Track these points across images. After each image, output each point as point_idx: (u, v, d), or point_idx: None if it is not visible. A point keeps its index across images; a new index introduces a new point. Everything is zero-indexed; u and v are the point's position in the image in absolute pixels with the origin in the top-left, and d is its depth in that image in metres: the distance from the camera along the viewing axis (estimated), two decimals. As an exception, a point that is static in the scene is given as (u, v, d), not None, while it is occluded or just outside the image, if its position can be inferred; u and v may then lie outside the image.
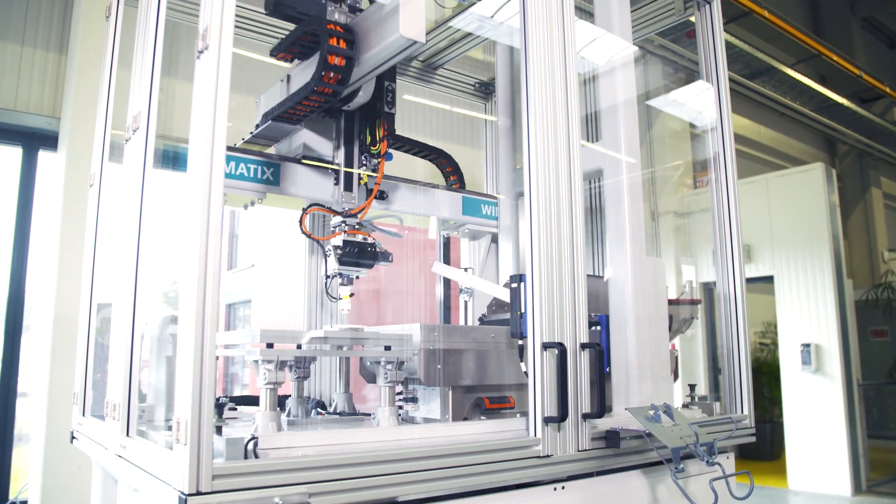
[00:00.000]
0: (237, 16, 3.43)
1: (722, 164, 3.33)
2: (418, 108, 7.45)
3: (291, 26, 2.93)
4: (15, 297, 5.35)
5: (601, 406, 2.36)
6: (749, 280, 9.67)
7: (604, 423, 2.53)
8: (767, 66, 11.14)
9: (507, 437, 2.27)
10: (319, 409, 2.88)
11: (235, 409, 2.90)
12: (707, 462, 2.42)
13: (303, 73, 2.87)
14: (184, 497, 1.58)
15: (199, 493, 1.59)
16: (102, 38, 3.99)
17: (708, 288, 10.04)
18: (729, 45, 10.37)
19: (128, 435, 2.17)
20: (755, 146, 13.06)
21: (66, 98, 5.46)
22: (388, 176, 3.40)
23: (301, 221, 3.10)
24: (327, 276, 2.92)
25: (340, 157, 3.07)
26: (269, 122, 3.10)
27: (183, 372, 1.65)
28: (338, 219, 2.98)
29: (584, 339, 2.43)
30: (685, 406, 3.25)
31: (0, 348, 5.29)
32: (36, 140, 5.57)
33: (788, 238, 8.98)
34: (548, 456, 2.25)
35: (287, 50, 2.86)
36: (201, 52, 1.79)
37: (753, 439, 3.14)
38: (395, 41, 2.45)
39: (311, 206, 3.04)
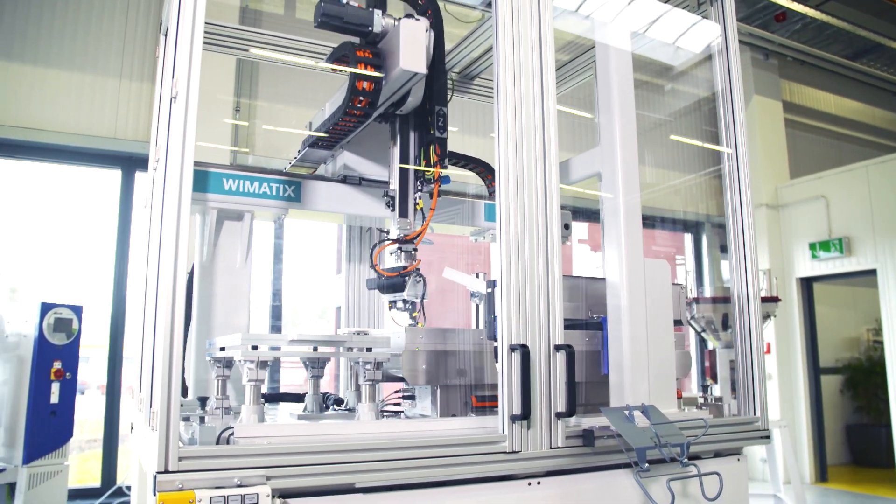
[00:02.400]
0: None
1: (735, 161, 3.28)
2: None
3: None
4: (117, 305, 6.06)
5: (571, 405, 2.45)
6: (849, 274, 9.07)
7: (589, 422, 2.61)
8: (874, 44, 10.34)
9: (477, 433, 2.41)
10: (335, 406, 3.15)
11: (263, 403, 3.23)
12: (682, 463, 2.45)
13: (337, 100, 3.10)
14: (154, 474, 1.87)
15: (167, 472, 1.88)
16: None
17: (807, 283, 9.49)
18: (826, 25, 9.78)
19: (150, 426, 2.51)
20: (868, 130, 12.11)
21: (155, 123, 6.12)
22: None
23: (373, 258, 3.17)
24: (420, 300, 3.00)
25: (395, 182, 3.11)
26: (307, 148, 3.41)
27: (155, 370, 1.95)
28: (394, 245, 3.07)
29: (560, 340, 2.52)
30: (700, 406, 3.23)
31: (105, 352, 6.02)
32: (133, 163, 6.28)
33: (893, 228, 8.33)
34: (514, 452, 2.38)
35: (339, 60, 3.05)
36: (174, 97, 2.09)
37: (768, 441, 3.07)
38: (398, 74, 2.67)
39: (380, 243, 3.15)
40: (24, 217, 6.39)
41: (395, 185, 3.08)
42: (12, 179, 6.28)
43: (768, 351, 9.20)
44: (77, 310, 4.97)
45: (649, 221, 9.14)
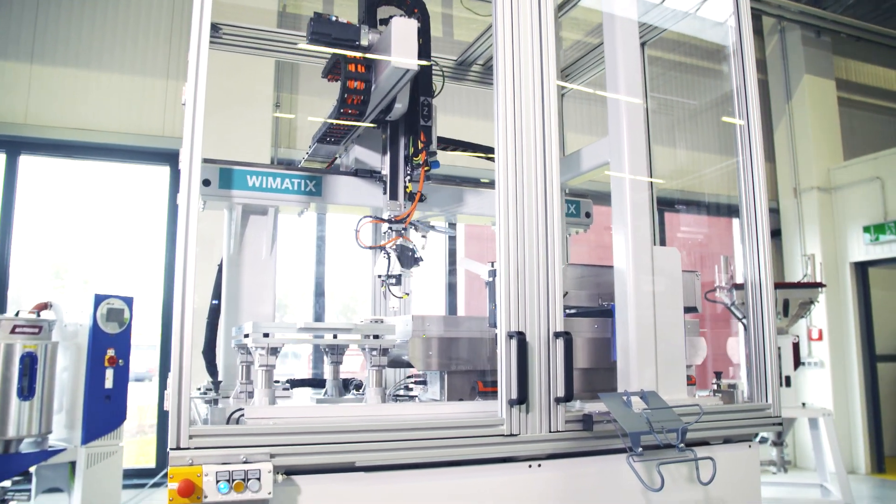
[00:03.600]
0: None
1: (747, 144, 3.24)
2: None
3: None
4: (168, 296, 6.39)
5: (569, 391, 2.52)
6: (907, 259, 8.65)
7: (591, 407, 2.68)
8: (936, 16, 9.83)
9: (477, 417, 2.51)
10: (355, 390, 3.30)
11: (288, 389, 3.41)
12: (678, 448, 2.49)
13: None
14: (168, 450, 2.05)
15: (179, 448, 2.06)
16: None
17: (861, 268, 9.17)
18: (883, -1, 9.34)
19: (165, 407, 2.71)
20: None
21: (200, 123, 6.41)
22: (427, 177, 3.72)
23: (357, 234, 3.41)
24: (389, 276, 3.22)
25: (386, 167, 3.36)
26: (315, 143, 3.56)
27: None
28: (386, 225, 3.29)
29: (560, 327, 2.59)
30: (714, 394, 3.23)
31: (157, 346, 6.36)
32: (180, 161, 6.59)
33: (953, 211, 7.97)
34: (513, 435, 2.46)
35: (332, 72, 3.25)
36: (184, 103, 2.26)
37: (780, 428, 3.06)
38: (390, 71, 2.78)
39: (364, 218, 3.41)
40: (87, 214, 6.79)
41: (386, 171, 3.30)
42: (70, 178, 6.68)
43: (820, 338, 8.95)
44: (128, 300, 5.28)
45: (690, 207, 8.97)
